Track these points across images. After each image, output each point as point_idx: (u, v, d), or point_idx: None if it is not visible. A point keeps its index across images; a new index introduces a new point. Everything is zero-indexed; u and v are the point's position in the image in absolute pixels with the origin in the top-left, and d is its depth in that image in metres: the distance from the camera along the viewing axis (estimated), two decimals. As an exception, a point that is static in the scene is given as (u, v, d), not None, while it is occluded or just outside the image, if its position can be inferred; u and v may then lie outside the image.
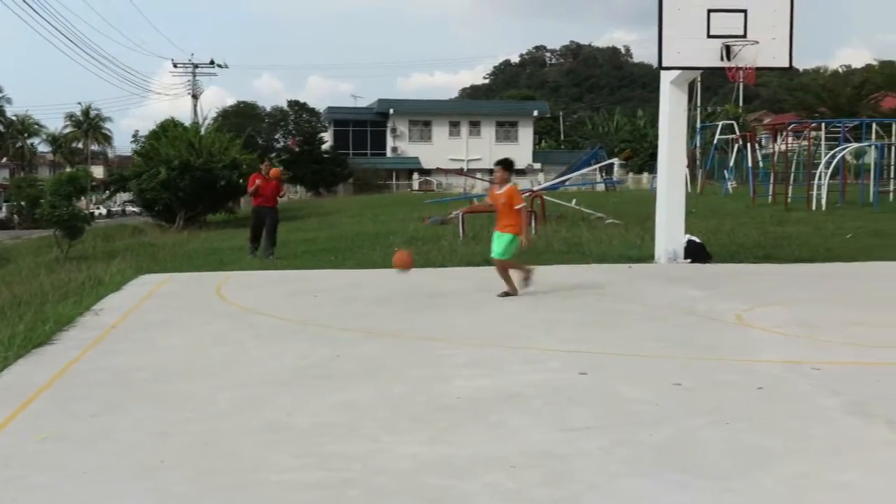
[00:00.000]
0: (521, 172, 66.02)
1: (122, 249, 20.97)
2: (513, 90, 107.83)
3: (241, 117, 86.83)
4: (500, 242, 11.57)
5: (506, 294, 11.55)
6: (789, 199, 26.69)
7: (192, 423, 5.98)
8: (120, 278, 14.08)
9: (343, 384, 7.00)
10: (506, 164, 11.93)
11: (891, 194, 27.35)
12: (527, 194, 25.16)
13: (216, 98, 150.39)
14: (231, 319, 10.23)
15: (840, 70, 58.04)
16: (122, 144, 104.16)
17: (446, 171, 59.24)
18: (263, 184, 17.07)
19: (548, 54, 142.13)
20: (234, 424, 5.95)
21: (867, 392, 6.54)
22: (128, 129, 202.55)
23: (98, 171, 73.56)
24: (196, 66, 65.57)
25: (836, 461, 5.10)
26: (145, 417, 6.14)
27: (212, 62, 65.85)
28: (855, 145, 29.39)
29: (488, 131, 71.35)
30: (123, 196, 49.65)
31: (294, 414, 6.15)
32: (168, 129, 34.67)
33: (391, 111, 70.02)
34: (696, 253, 15.46)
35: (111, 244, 25.01)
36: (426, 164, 66.58)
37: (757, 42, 13.74)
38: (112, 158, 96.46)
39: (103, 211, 62.46)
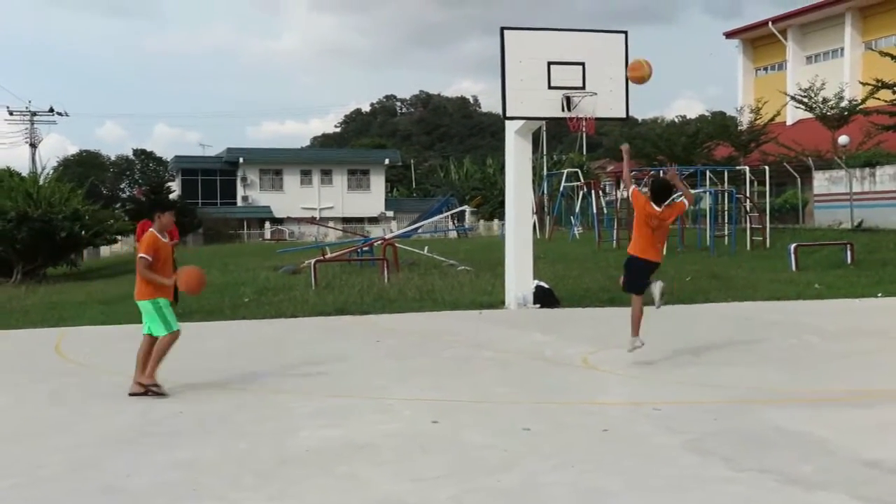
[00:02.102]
0: (374, 220, 66.26)
1: (-49, 306, 19.77)
2: (364, 138, 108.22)
3: (84, 166, 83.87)
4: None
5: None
6: (632, 244, 27.62)
7: (21, 489, 5.64)
8: (-53, 337, 13.27)
9: (186, 441, 6.77)
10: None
11: (726, 238, 28.72)
12: (379, 242, 25.25)
13: (57, 146, 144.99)
14: (69, 377, 9.76)
15: (676, 120, 60.87)
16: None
17: (298, 220, 58.78)
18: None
19: (398, 103, 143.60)
20: (67, 488, 5.65)
21: (704, 430, 6.77)
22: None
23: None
24: (34, 113, 63.02)
25: (675, 498, 5.24)
26: (-31, 486, 5.76)
27: (51, 109, 63.38)
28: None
29: (340, 179, 71.27)
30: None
31: (133, 475, 5.89)
32: (3, 179, 33.12)
33: (241, 160, 69.08)
34: (544, 298, 15.79)
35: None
36: (278, 213, 65.83)
37: (595, 94, 14.26)
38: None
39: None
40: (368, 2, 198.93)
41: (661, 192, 9.57)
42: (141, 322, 8.90)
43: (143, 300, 8.68)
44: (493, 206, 64.33)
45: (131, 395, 8.48)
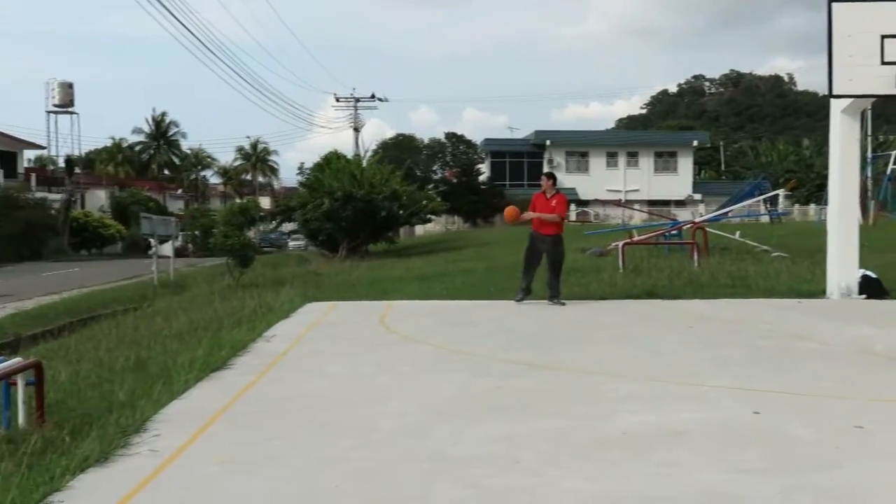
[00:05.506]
0: (681, 203, 64.79)
1: (290, 278, 21.67)
2: (671, 120, 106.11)
3: (399, 149, 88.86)
4: None
5: None
6: (973, 232, 25.09)
7: (360, 450, 6.07)
8: (289, 306, 14.51)
9: (504, 416, 6.97)
10: None
11: None
12: (689, 226, 24.67)
13: (376, 130, 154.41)
14: (394, 348, 10.37)
15: None
16: (287, 176, 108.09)
17: (604, 202, 58.73)
18: (543, 203, 14.92)
19: (706, 83, 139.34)
20: (397, 453, 6.00)
21: None
22: (291, 161, 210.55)
23: (265, 202, 76.52)
24: (358, 99, 67.43)
25: None
26: (313, 444, 6.28)
27: (373, 96, 67.58)
28: None
29: (646, 162, 70.37)
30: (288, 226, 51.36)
31: (457, 444, 6.17)
32: (331, 162, 35.78)
33: (548, 142, 70.05)
34: (872, 289, 14.72)
35: (278, 272, 25.91)
36: (583, 195, 66.09)
37: (938, 67, 13.04)
38: (278, 190, 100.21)
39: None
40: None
41: None
42: None
43: None
44: (810, 191, 60.90)
45: None
